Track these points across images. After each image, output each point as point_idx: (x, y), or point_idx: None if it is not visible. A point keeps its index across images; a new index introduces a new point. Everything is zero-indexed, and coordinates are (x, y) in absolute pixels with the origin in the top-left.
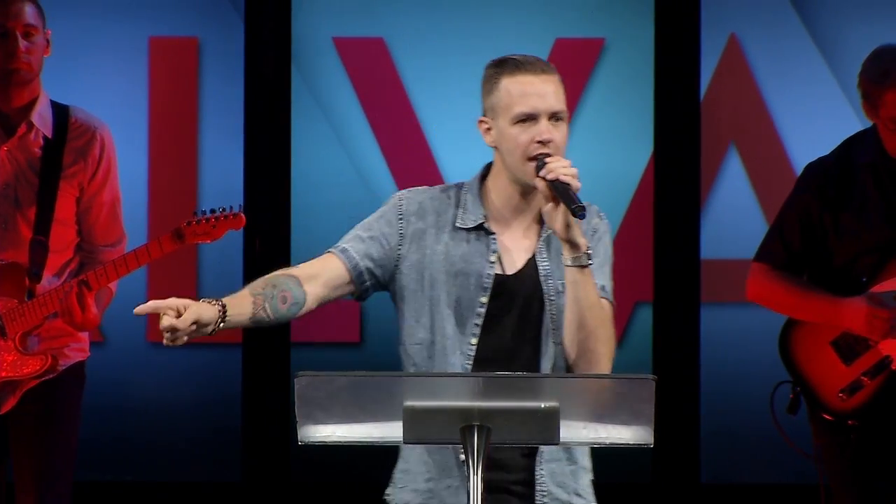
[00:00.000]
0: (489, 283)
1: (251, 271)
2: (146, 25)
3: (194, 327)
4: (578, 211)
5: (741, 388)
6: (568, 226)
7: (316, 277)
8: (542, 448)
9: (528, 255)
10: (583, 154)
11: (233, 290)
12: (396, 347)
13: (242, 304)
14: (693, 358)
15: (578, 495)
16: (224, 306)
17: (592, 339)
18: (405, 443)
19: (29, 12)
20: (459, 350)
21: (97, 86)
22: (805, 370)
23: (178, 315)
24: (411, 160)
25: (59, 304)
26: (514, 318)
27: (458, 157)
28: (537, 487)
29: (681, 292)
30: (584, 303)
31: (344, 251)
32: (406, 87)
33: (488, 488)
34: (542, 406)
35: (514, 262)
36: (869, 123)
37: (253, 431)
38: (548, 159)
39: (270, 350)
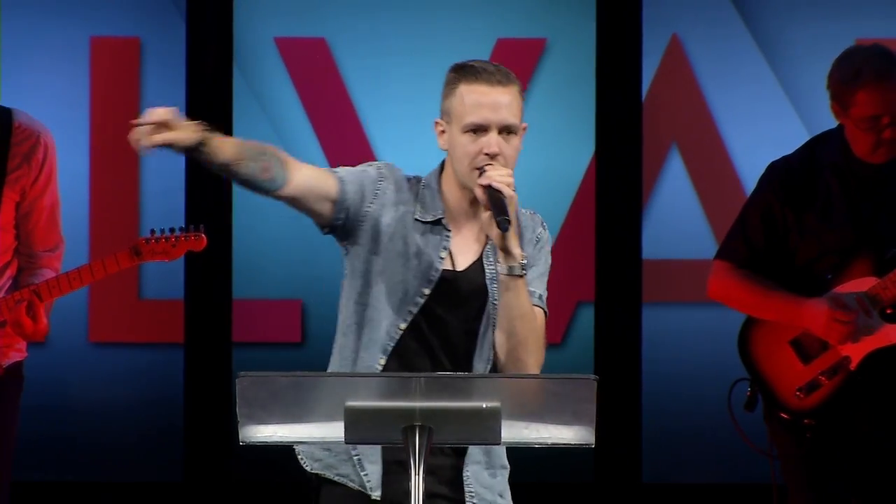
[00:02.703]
0: (436, 276)
1: (193, 271)
2: (87, 25)
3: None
4: (503, 223)
5: (683, 388)
6: (503, 234)
7: (305, 174)
8: (469, 451)
9: (476, 257)
10: (524, 154)
11: (173, 290)
12: (342, 301)
13: (227, 146)
14: (635, 358)
15: (500, 496)
16: (209, 138)
17: (521, 348)
18: (347, 443)
19: None
20: (386, 331)
21: (38, 86)
22: (763, 368)
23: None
24: (352, 160)
25: (8, 314)
26: (455, 315)
27: (399, 157)
28: (466, 490)
29: (622, 292)
30: (516, 311)
31: (336, 172)
32: (348, 88)
33: (436, 495)
34: (484, 406)
35: (462, 261)
36: (812, 123)
37: (195, 431)
38: (487, 166)
39: (212, 350)
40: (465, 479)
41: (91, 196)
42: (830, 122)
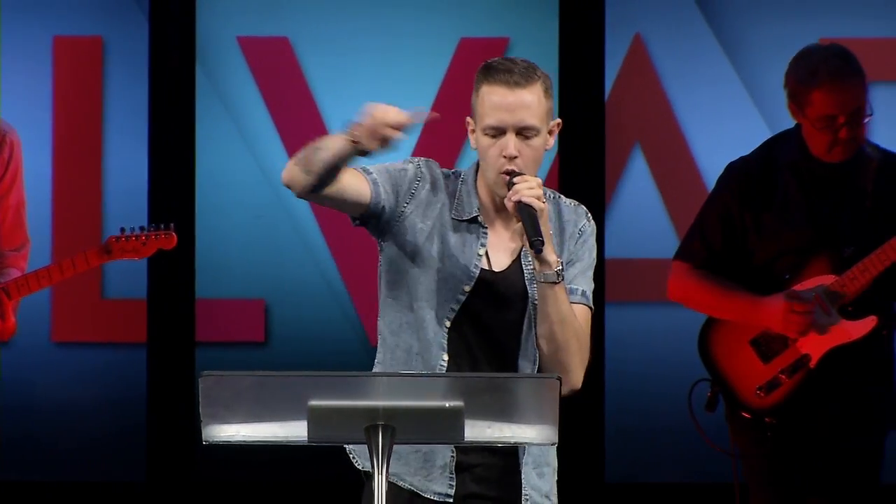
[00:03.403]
0: (475, 274)
1: (156, 271)
2: (50, 24)
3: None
4: (536, 244)
5: (646, 387)
6: None
7: (342, 177)
8: (524, 456)
9: (513, 257)
10: None
11: (136, 289)
12: (383, 298)
13: None
14: (598, 357)
15: (547, 497)
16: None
17: (562, 352)
18: (310, 442)
19: None
20: (434, 331)
21: (1, 85)
22: (724, 368)
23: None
24: None
25: None
26: (495, 316)
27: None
28: (523, 493)
29: None
30: (555, 318)
31: (369, 173)
32: (310, 87)
33: (473, 496)
34: (447, 405)
35: (499, 261)
36: (775, 123)
37: (158, 431)
38: (516, 179)
39: (175, 350)
40: (522, 481)
41: (54, 195)
42: (793, 122)
